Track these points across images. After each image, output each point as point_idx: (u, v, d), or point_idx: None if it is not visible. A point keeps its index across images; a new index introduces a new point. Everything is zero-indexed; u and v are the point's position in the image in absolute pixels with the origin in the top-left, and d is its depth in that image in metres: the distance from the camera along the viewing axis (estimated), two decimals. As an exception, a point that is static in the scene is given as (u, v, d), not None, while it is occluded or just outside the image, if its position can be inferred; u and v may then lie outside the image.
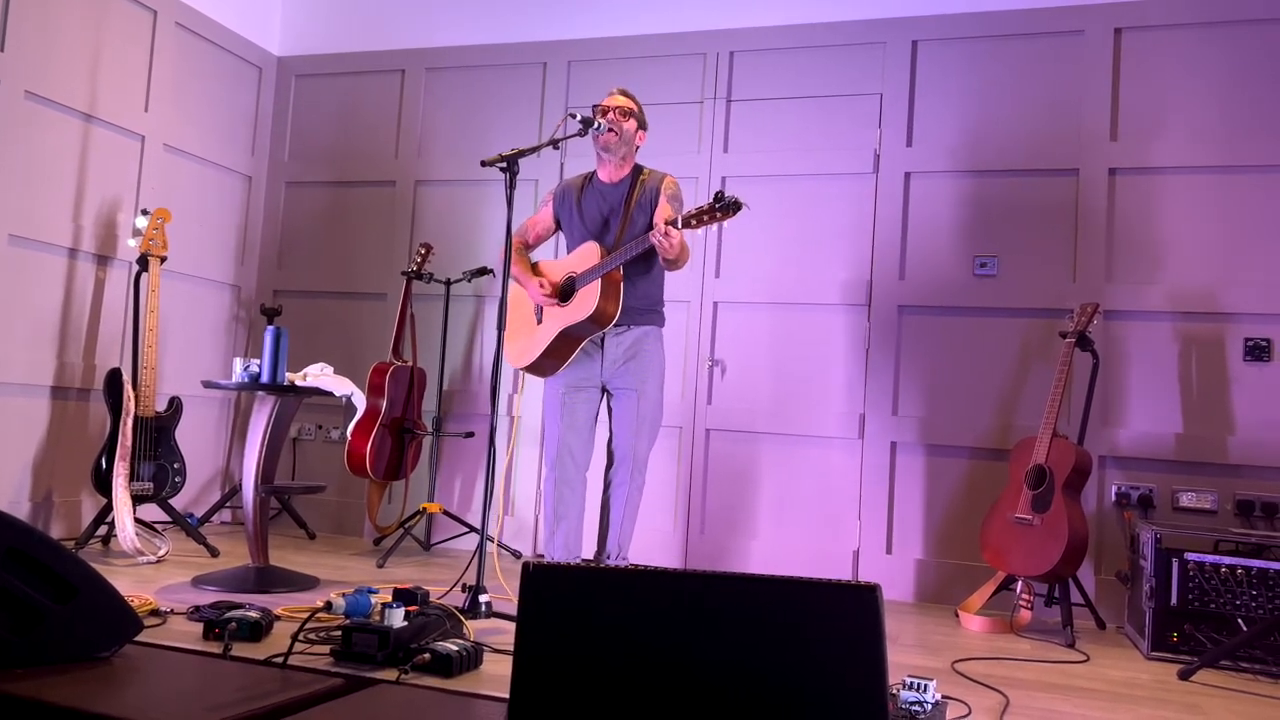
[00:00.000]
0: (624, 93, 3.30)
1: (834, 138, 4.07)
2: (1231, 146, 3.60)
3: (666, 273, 3.36)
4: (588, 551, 3.36)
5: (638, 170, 3.30)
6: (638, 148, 3.31)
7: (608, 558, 3.20)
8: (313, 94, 4.92)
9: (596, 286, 3.08)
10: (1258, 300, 3.52)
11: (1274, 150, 3.55)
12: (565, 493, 3.23)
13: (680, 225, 2.89)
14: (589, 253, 3.19)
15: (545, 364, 3.24)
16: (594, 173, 3.35)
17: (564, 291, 3.21)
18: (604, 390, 3.28)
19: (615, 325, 3.17)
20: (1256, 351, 3.51)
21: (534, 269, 3.35)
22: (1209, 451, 3.51)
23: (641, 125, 3.30)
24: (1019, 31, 3.88)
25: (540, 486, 4.31)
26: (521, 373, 4.38)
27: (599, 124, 3.14)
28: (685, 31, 4.31)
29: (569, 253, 3.30)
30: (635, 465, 3.18)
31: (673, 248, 2.95)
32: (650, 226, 3.16)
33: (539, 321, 3.26)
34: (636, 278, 3.20)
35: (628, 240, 3.12)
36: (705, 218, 2.83)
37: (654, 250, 3.03)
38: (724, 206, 2.78)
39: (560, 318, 3.17)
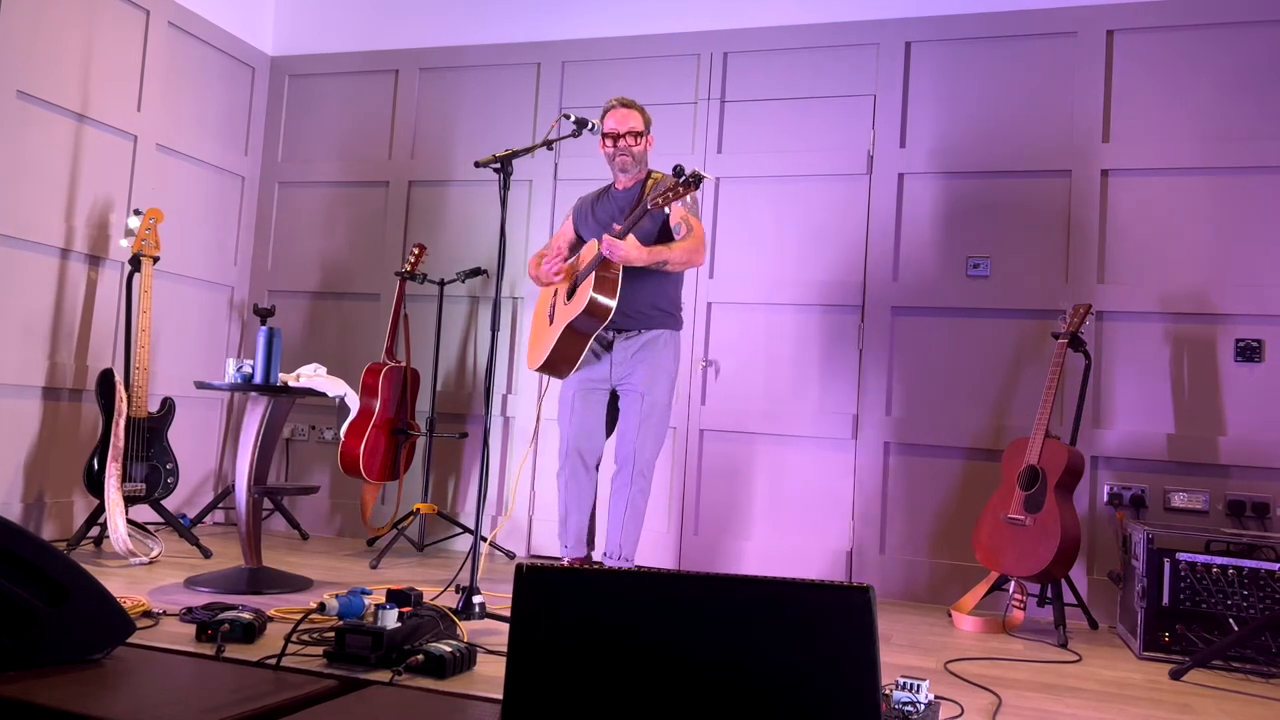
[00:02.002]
0: (626, 105, 3.30)
1: (827, 139, 4.08)
2: (1223, 148, 3.61)
3: (685, 273, 3.38)
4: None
5: (649, 174, 3.35)
6: (648, 152, 3.38)
7: (606, 557, 3.22)
8: (306, 94, 4.92)
9: (591, 280, 3.10)
10: (1249, 301, 3.53)
11: (1266, 152, 3.56)
12: (574, 488, 3.29)
13: (650, 207, 2.96)
14: (589, 251, 3.25)
15: (557, 364, 3.25)
16: (611, 185, 3.42)
17: (570, 290, 3.26)
18: (614, 392, 3.30)
19: (626, 329, 3.19)
20: (1248, 352, 3.53)
21: None
22: (1201, 452, 3.53)
23: (649, 132, 3.35)
24: (1012, 33, 3.89)
25: (534, 487, 4.32)
26: (516, 374, 4.39)
27: (593, 126, 3.16)
28: (679, 32, 4.31)
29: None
30: (637, 468, 3.19)
31: (624, 258, 3.01)
32: (657, 227, 3.19)
33: (551, 322, 3.30)
34: (644, 279, 3.20)
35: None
36: (670, 195, 2.90)
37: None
38: (685, 181, 2.85)
39: (565, 315, 3.21)
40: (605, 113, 3.30)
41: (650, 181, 3.29)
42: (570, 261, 3.34)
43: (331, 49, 4.87)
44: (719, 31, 4.26)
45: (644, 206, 3.00)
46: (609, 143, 3.27)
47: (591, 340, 3.20)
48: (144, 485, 3.70)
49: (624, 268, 3.10)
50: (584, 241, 3.47)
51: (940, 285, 3.88)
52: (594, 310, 3.08)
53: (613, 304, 3.09)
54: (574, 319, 3.13)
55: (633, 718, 1.56)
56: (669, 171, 3.37)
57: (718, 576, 1.58)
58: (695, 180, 2.82)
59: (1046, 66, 3.85)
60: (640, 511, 3.22)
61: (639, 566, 3.37)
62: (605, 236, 3.00)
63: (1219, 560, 2.95)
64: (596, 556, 3.40)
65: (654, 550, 4.09)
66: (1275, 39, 3.61)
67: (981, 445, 3.76)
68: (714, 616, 1.56)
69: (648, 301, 3.22)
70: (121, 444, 3.59)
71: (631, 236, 3.05)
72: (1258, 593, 2.89)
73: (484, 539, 4.02)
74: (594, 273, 3.10)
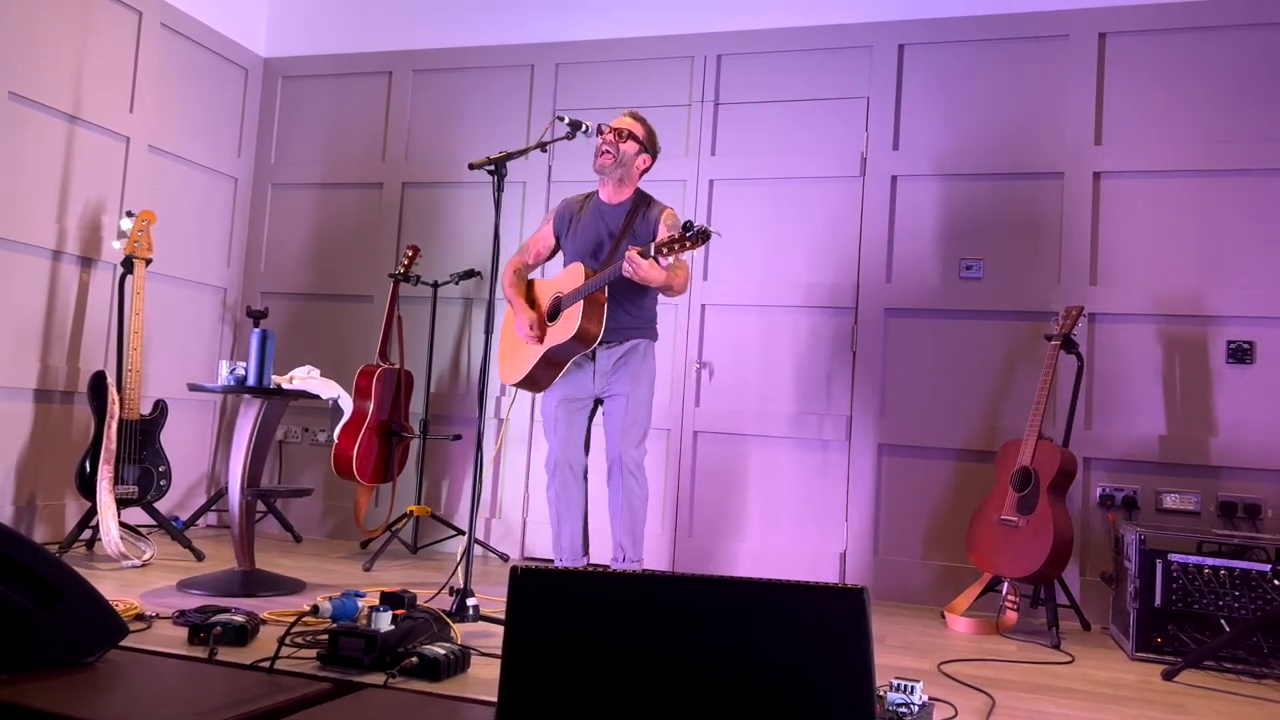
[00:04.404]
0: (633, 115, 3.31)
1: (821, 141, 4.09)
2: (1215, 150, 3.63)
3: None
4: (592, 553, 3.40)
5: (642, 197, 3.30)
6: (642, 171, 3.32)
7: (614, 563, 3.23)
8: (299, 95, 4.91)
9: (579, 309, 3.11)
10: (1240, 303, 3.55)
11: (1257, 154, 3.58)
12: (565, 499, 3.30)
13: (652, 253, 2.90)
14: (575, 274, 3.21)
15: (538, 381, 3.29)
16: (596, 191, 3.37)
17: (551, 312, 3.23)
18: (597, 401, 3.31)
19: (607, 341, 3.19)
20: (1239, 354, 3.54)
21: (529, 287, 3.39)
22: (1192, 453, 3.54)
23: (646, 150, 3.29)
24: (1005, 36, 3.90)
25: (527, 489, 4.32)
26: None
27: (586, 127, 3.14)
28: (673, 34, 4.32)
29: (564, 269, 3.32)
30: (625, 469, 3.20)
31: (645, 278, 2.95)
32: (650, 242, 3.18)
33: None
34: (627, 295, 3.20)
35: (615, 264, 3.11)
36: (675, 246, 2.85)
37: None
38: (694, 235, 2.81)
39: (546, 338, 3.19)
40: None
41: (643, 206, 3.26)
42: (539, 279, 3.32)
43: (324, 51, 4.87)
44: (713, 34, 4.26)
45: (657, 248, 2.90)
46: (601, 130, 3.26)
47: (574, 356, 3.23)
48: (136, 488, 3.68)
49: (614, 293, 3.15)
50: (560, 247, 3.43)
51: (933, 287, 3.89)
52: (582, 337, 3.11)
53: (600, 331, 3.12)
54: (558, 344, 3.15)
55: (627, 719, 1.56)
56: (659, 196, 3.35)
57: (712, 578, 1.58)
58: (703, 236, 2.80)
59: (1039, 69, 3.87)
60: (638, 512, 3.22)
61: (648, 570, 3.35)
62: (629, 254, 2.93)
63: (1211, 561, 2.96)
64: (602, 561, 3.40)
65: (648, 552, 4.08)
66: (1266, 42, 3.63)
67: (974, 447, 3.77)
68: (708, 619, 1.56)
69: (628, 315, 3.23)
70: (114, 446, 3.58)
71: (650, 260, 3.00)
72: (1249, 594, 2.90)
73: (478, 541, 4.01)
74: (582, 302, 3.10)
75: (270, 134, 4.92)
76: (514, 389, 4.34)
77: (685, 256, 3.00)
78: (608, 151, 3.23)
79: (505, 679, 1.61)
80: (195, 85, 4.58)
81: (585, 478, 3.34)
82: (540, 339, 3.22)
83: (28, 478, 3.82)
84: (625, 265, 2.94)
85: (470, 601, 2.79)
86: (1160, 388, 3.62)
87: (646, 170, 3.34)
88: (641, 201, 3.28)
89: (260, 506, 4.43)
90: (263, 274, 4.85)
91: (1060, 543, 3.18)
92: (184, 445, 4.52)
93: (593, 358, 3.25)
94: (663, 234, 3.18)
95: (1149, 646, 2.97)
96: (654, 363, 3.33)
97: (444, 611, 2.54)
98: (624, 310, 3.21)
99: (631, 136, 3.25)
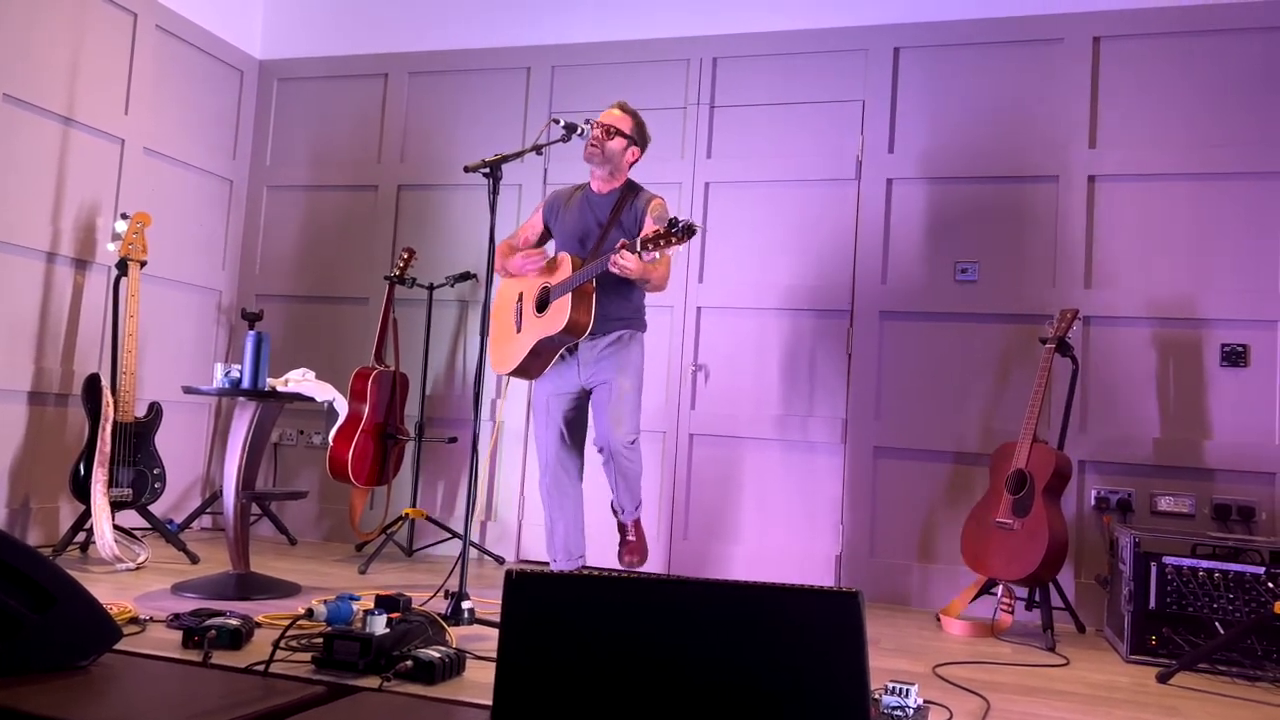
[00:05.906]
0: (622, 108, 3.33)
1: (816, 144, 4.09)
2: (1209, 153, 3.64)
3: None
4: (588, 555, 3.41)
5: (631, 187, 3.32)
6: (631, 164, 3.34)
7: (613, 513, 3.32)
8: (295, 97, 4.90)
9: (568, 300, 3.12)
10: (1235, 306, 3.56)
11: (1252, 157, 3.59)
12: (557, 495, 3.32)
13: (637, 249, 2.91)
14: (563, 264, 3.23)
15: (529, 370, 3.31)
16: (588, 183, 3.39)
17: (540, 302, 3.24)
18: (585, 392, 3.31)
19: (592, 332, 3.19)
20: (1233, 357, 3.55)
21: None
22: (1186, 456, 3.55)
23: (635, 143, 3.31)
24: (1000, 39, 3.91)
25: (523, 491, 4.32)
26: (505, 378, 4.38)
27: (582, 129, 3.16)
28: (669, 37, 4.32)
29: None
30: (616, 450, 3.19)
31: (632, 273, 2.98)
32: (635, 234, 3.19)
33: (519, 330, 3.29)
34: (614, 286, 3.20)
35: (602, 255, 3.12)
36: (661, 242, 2.85)
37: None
38: (678, 231, 2.81)
39: (536, 329, 3.22)
40: None
41: (630, 196, 3.28)
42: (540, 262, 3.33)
43: (320, 53, 4.86)
44: (709, 37, 4.27)
45: (642, 243, 2.90)
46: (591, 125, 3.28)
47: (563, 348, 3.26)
48: (131, 490, 3.68)
49: (600, 285, 3.15)
50: (551, 235, 3.46)
51: (928, 290, 3.89)
52: (572, 329, 3.13)
53: (590, 321, 3.14)
54: (548, 335, 3.16)
55: (622, 723, 1.56)
56: (649, 188, 3.37)
57: (707, 582, 1.58)
58: (688, 232, 2.81)
59: (1034, 73, 3.87)
60: (633, 479, 3.24)
61: (643, 573, 3.35)
62: (619, 249, 2.95)
63: (1205, 564, 2.96)
64: (587, 557, 3.41)
65: (643, 555, 4.08)
66: (1260, 46, 3.64)
67: (970, 449, 3.78)
68: (703, 622, 1.56)
69: (614, 306, 3.23)
70: (108, 449, 3.57)
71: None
72: (1243, 596, 2.91)
73: (473, 544, 4.01)
74: (570, 293, 3.11)
75: (265, 136, 4.91)
76: (507, 386, 4.36)
77: (671, 252, 3.02)
78: (594, 147, 3.25)
79: (500, 682, 1.61)
80: (190, 87, 4.58)
81: (580, 475, 3.35)
82: (544, 269, 3.25)
83: (21, 480, 3.81)
84: (612, 261, 2.97)
85: (465, 605, 2.78)
86: (1155, 390, 3.63)
87: (635, 162, 3.36)
88: (630, 192, 3.31)
89: (255, 509, 4.43)
90: (258, 276, 4.84)
91: (1055, 545, 3.18)
92: (179, 448, 4.51)
93: (575, 350, 3.26)
94: (649, 224, 3.19)
95: (1143, 649, 2.97)
96: (641, 353, 3.32)
97: (439, 615, 2.53)
98: (610, 301, 3.22)
99: (619, 133, 3.27)
